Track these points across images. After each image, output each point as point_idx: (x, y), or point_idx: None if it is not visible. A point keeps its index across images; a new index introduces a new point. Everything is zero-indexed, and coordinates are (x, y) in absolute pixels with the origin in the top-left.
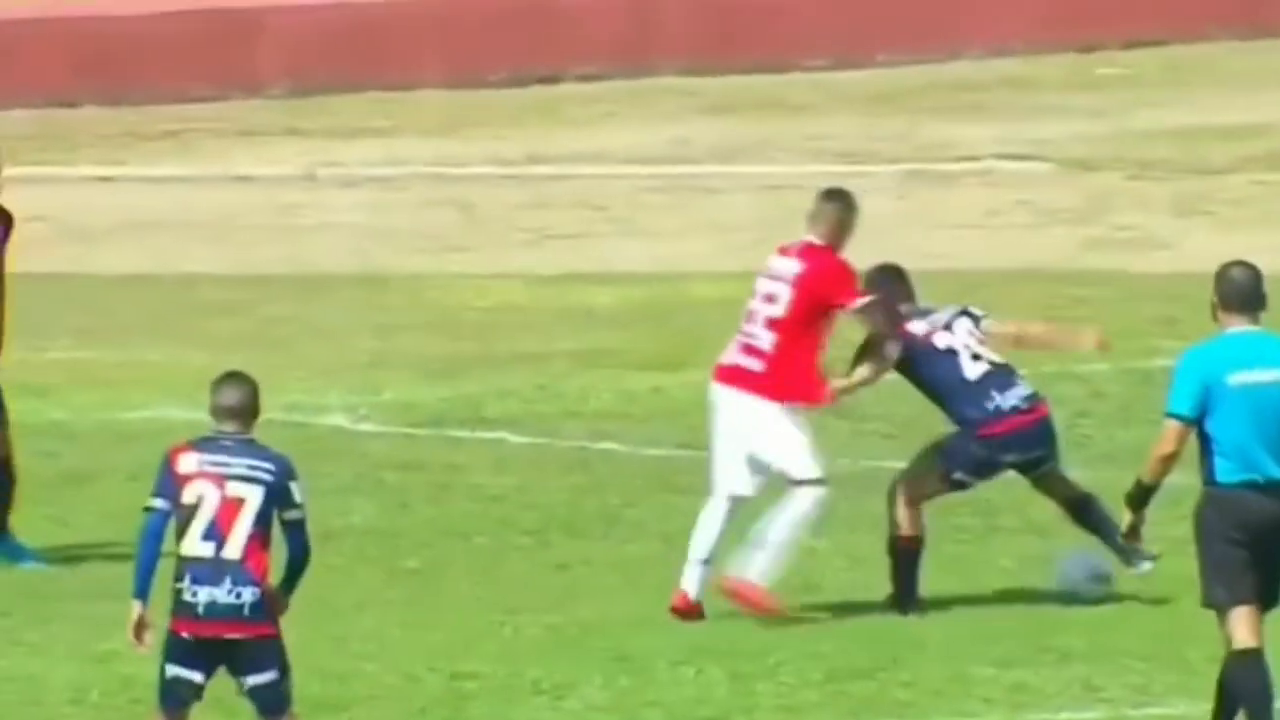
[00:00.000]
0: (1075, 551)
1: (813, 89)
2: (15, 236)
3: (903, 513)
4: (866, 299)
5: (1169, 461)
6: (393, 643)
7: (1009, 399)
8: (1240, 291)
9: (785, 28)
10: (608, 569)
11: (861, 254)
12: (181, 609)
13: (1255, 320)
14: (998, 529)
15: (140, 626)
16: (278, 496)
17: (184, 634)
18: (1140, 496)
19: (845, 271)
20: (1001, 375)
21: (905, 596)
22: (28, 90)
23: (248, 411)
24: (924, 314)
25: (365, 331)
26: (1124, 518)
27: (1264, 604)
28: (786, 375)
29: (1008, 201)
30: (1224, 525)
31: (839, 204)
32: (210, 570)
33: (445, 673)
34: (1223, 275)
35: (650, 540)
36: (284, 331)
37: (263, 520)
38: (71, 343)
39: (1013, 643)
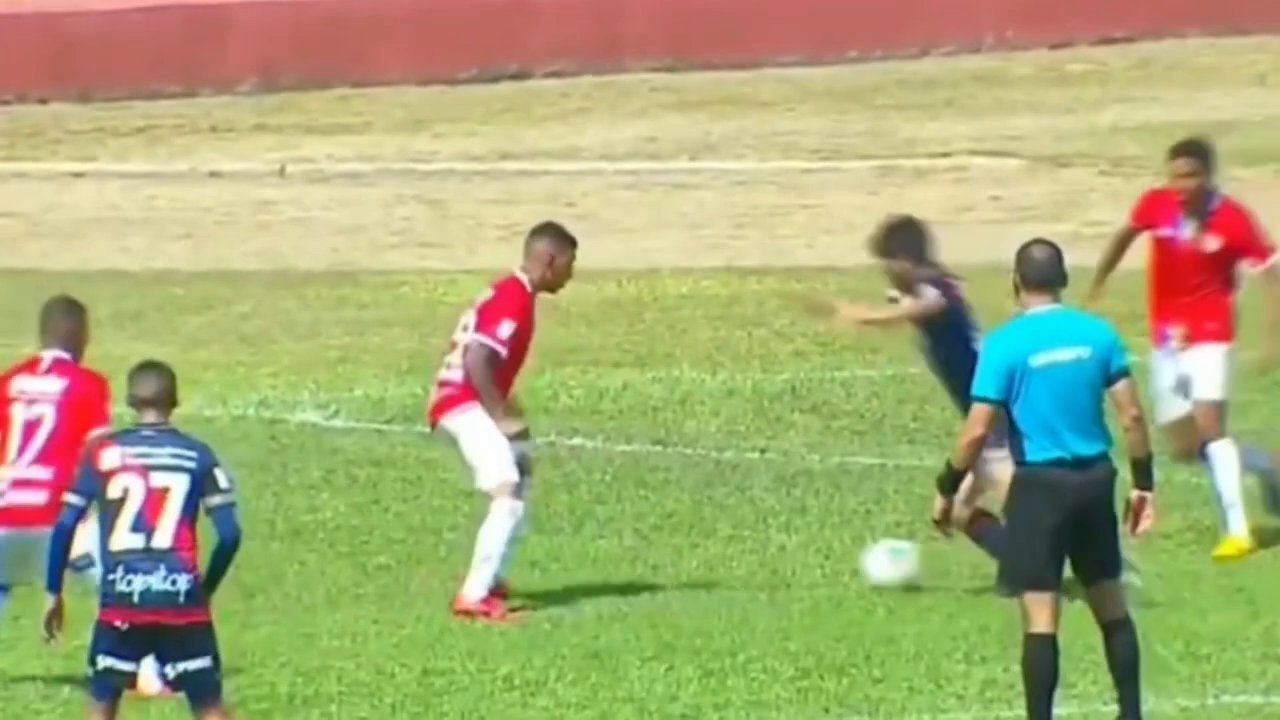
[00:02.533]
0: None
1: (783, 85)
2: None
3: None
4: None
5: (977, 445)
6: (364, 639)
7: None
8: (1040, 270)
9: (755, 24)
10: (579, 565)
11: (835, 249)
12: (115, 599)
13: (1056, 298)
14: None
15: (53, 618)
16: (202, 483)
17: (117, 623)
18: (952, 481)
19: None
20: None
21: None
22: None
23: (166, 401)
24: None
25: (336, 328)
26: (935, 503)
27: (1104, 576)
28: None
29: (980, 197)
30: (1037, 508)
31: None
32: (143, 560)
33: (417, 669)
34: (1023, 255)
35: (622, 536)
36: (255, 327)
37: (189, 508)
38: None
39: (983, 639)
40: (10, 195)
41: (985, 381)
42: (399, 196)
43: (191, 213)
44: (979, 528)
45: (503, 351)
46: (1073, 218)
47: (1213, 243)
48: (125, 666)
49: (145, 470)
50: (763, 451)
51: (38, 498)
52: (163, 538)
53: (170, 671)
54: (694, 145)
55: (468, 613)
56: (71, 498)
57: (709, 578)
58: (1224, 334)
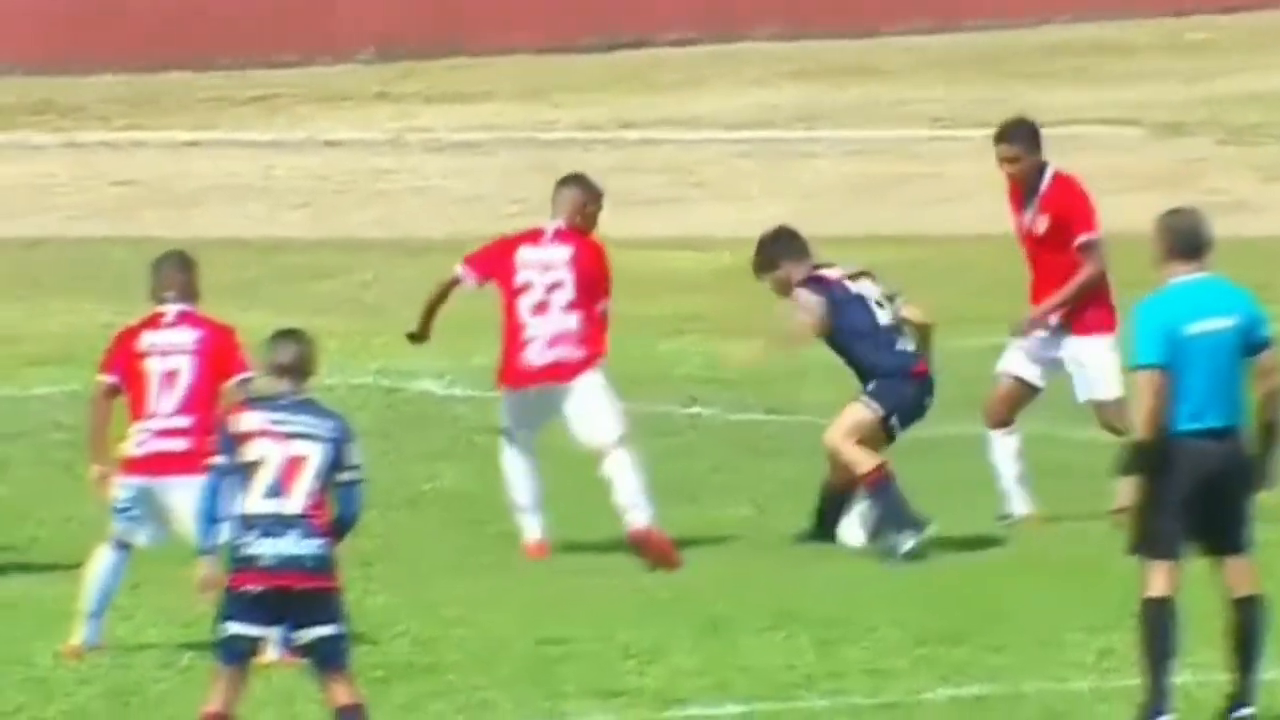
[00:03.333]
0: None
1: (902, 53)
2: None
3: (856, 453)
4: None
5: (1157, 415)
6: (482, 607)
7: (911, 346)
8: (1186, 238)
9: None
10: (695, 534)
11: (953, 217)
12: (245, 563)
13: (1203, 266)
14: (1086, 493)
15: (207, 583)
16: (337, 456)
17: (247, 588)
18: (1142, 458)
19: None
20: (899, 328)
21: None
22: (118, 55)
23: (303, 368)
24: (829, 265)
25: (454, 297)
26: (1120, 487)
27: (1227, 551)
28: None
29: (1099, 166)
30: (1178, 477)
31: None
32: (275, 525)
33: (534, 637)
34: (1167, 223)
35: (739, 505)
36: (374, 296)
37: (322, 477)
38: None
39: (1101, 607)
40: (129, 163)
41: (1146, 348)
42: (517, 165)
43: (309, 181)
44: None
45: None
46: (1191, 186)
47: (1042, 222)
48: (254, 631)
49: (283, 437)
50: None
51: (178, 445)
52: (296, 503)
53: (298, 638)
54: (812, 114)
55: (666, 553)
56: (215, 459)
57: (824, 547)
58: (1106, 323)
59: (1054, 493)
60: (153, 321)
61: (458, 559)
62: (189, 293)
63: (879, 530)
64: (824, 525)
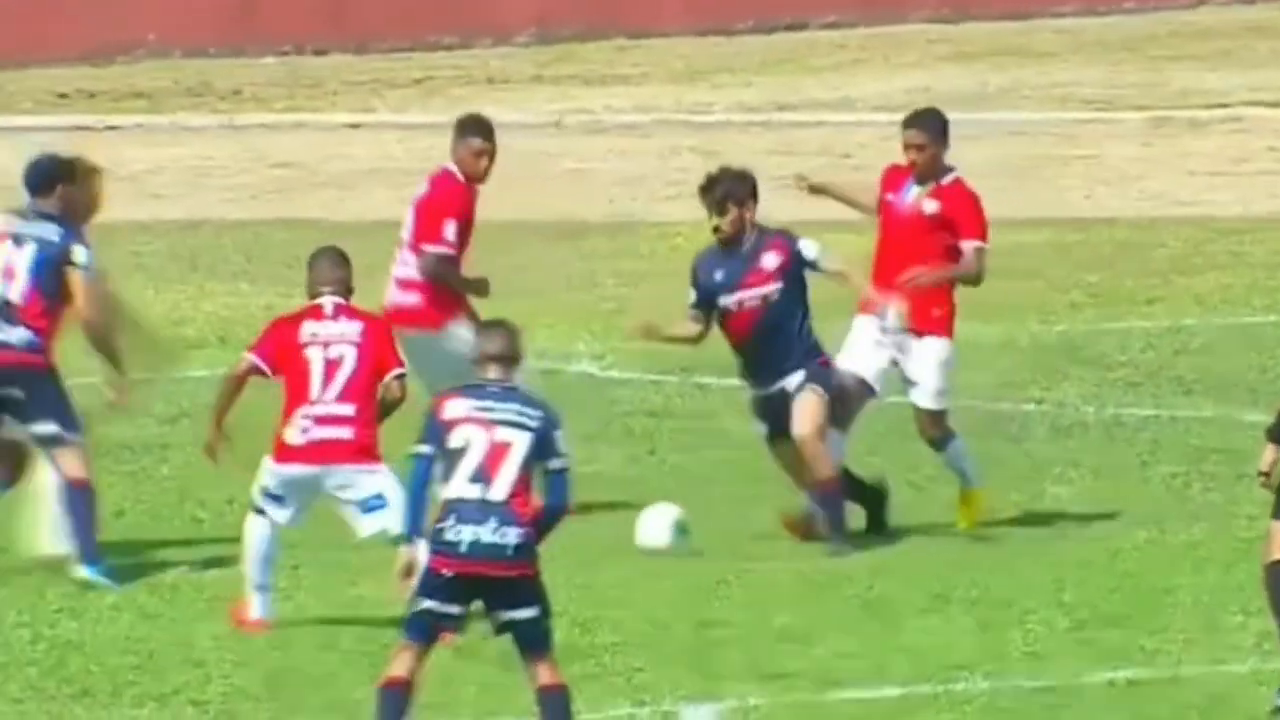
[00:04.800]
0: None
1: (1058, 36)
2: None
3: (824, 454)
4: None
5: None
6: (640, 590)
7: None
8: None
9: None
10: (852, 516)
11: (1111, 199)
12: (444, 547)
13: None
14: (1245, 475)
15: (408, 569)
16: (543, 444)
17: (445, 571)
18: None
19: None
20: None
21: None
22: (278, 38)
23: (511, 357)
24: None
25: (613, 278)
26: (1265, 454)
27: None
28: None
29: (1257, 148)
30: None
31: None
32: (476, 510)
33: (693, 620)
34: None
35: (896, 488)
36: (532, 279)
37: (527, 466)
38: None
39: (1261, 590)
40: (289, 146)
41: None
42: (675, 147)
43: None
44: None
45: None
46: None
47: (931, 205)
48: (449, 609)
49: (489, 424)
50: (1038, 403)
51: (343, 433)
52: (499, 490)
53: (496, 619)
54: (969, 96)
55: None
56: (421, 447)
57: (982, 529)
58: (946, 326)
59: (1222, 475)
60: (313, 313)
61: (615, 541)
62: (344, 287)
63: (830, 532)
64: (873, 517)
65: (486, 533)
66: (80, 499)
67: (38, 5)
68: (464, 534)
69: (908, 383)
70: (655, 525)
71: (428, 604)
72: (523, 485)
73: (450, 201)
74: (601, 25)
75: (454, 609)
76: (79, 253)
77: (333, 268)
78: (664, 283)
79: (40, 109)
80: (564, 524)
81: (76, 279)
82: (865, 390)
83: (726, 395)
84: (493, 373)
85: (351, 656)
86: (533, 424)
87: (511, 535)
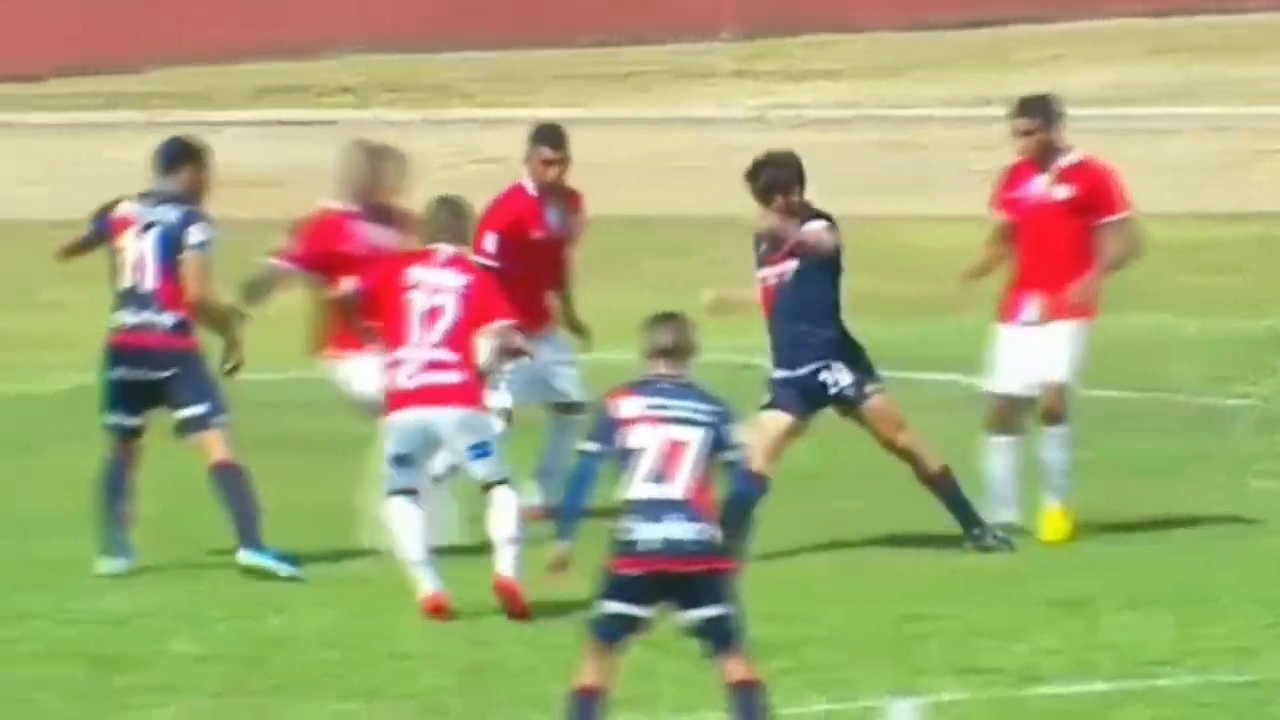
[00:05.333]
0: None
1: (1261, 31)
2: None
3: (924, 446)
4: None
5: None
6: (842, 585)
7: None
8: None
9: None
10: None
11: None
12: (626, 547)
13: None
14: None
15: (559, 564)
16: (718, 438)
17: (631, 571)
18: None
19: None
20: None
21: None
22: (485, 33)
23: (683, 351)
24: None
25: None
26: None
27: None
28: None
29: None
30: None
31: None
32: (656, 509)
33: (893, 614)
34: None
35: (1098, 481)
36: (730, 273)
37: (705, 461)
38: None
39: None
40: (496, 140)
41: None
42: (878, 142)
43: (669, 158)
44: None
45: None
46: None
47: (1062, 190)
48: (638, 612)
49: (661, 421)
50: (1244, 397)
51: (451, 378)
52: (677, 488)
53: (686, 617)
54: (1172, 91)
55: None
56: (589, 445)
57: (1184, 524)
58: (1085, 311)
59: None
60: (424, 256)
61: (809, 536)
62: (462, 238)
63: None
64: (965, 524)
65: (669, 530)
66: (234, 480)
67: (244, 2)
68: (646, 533)
69: (1042, 364)
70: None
71: (615, 607)
72: (702, 480)
73: (496, 214)
74: (804, 20)
75: (641, 611)
76: (193, 233)
77: (451, 218)
78: (866, 278)
79: (247, 104)
80: (751, 515)
81: (188, 258)
82: (1029, 401)
83: (930, 390)
84: (663, 367)
85: (551, 651)
86: (707, 419)
87: (693, 531)
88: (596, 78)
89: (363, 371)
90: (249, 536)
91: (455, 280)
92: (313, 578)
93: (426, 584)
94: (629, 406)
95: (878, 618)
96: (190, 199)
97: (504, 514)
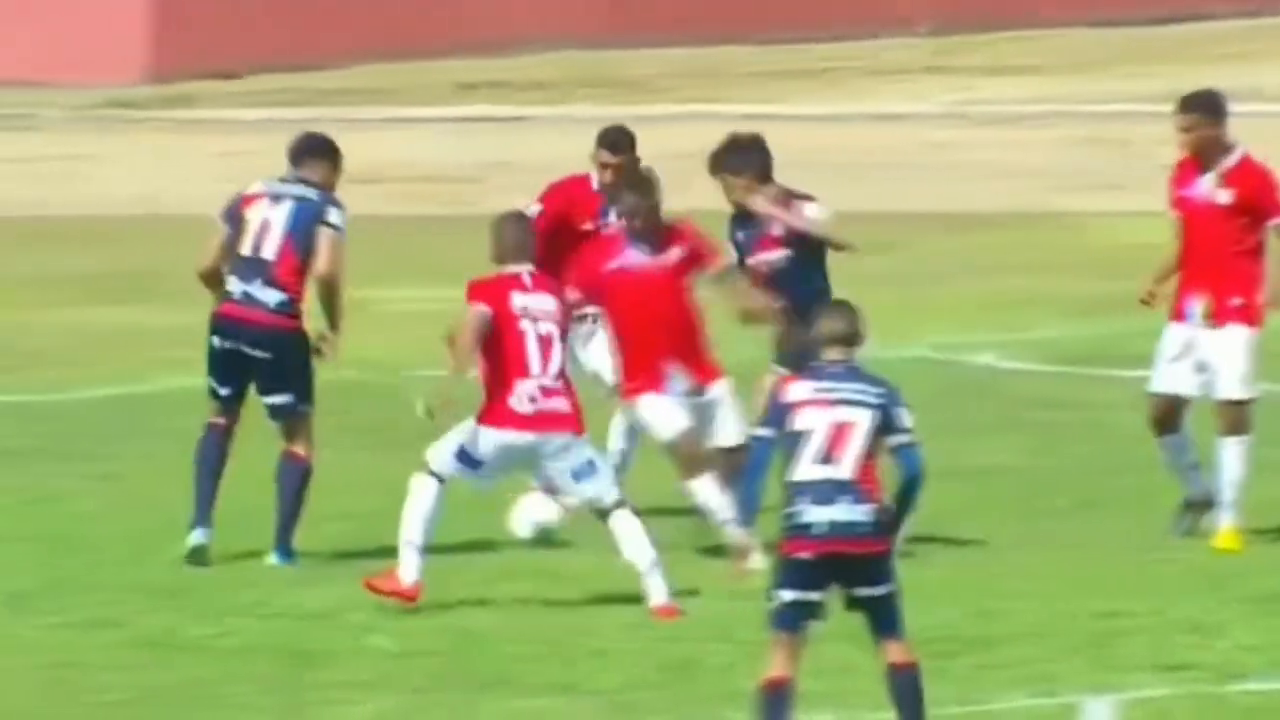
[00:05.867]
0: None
1: None
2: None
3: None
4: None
5: None
6: (1042, 580)
7: None
8: None
9: None
10: (1256, 510)
11: None
12: (797, 531)
13: None
14: None
15: (746, 552)
16: (886, 420)
17: (802, 555)
18: None
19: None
20: None
21: None
22: (679, 29)
23: (853, 339)
24: None
25: (1013, 270)
26: None
27: None
28: None
29: None
30: None
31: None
32: (826, 492)
33: (1093, 610)
34: None
35: (1265, 480)
36: (930, 269)
37: (872, 443)
38: None
39: None
40: (688, 136)
41: None
42: (1077, 138)
43: (864, 154)
44: None
45: None
46: None
47: (1224, 195)
48: (812, 596)
49: (830, 404)
50: None
51: (563, 405)
52: (845, 470)
53: (851, 595)
54: None
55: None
56: (762, 430)
57: None
58: (1249, 315)
59: None
60: (515, 283)
61: (1016, 533)
62: (533, 254)
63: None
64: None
65: (839, 512)
66: (292, 477)
67: None
68: (817, 516)
69: (1209, 375)
70: (525, 517)
71: (790, 595)
72: (868, 463)
73: (552, 192)
74: (998, 16)
75: (816, 595)
76: (334, 213)
77: (523, 235)
78: (1066, 274)
79: (443, 100)
80: (919, 496)
81: (325, 235)
82: (1187, 401)
83: (1129, 387)
84: (835, 353)
85: (747, 647)
86: (874, 401)
87: (862, 513)
88: (789, 74)
89: (665, 412)
90: (282, 538)
91: (548, 304)
92: (513, 571)
93: (410, 570)
94: (797, 390)
95: (1076, 614)
96: (325, 188)
97: (634, 541)
